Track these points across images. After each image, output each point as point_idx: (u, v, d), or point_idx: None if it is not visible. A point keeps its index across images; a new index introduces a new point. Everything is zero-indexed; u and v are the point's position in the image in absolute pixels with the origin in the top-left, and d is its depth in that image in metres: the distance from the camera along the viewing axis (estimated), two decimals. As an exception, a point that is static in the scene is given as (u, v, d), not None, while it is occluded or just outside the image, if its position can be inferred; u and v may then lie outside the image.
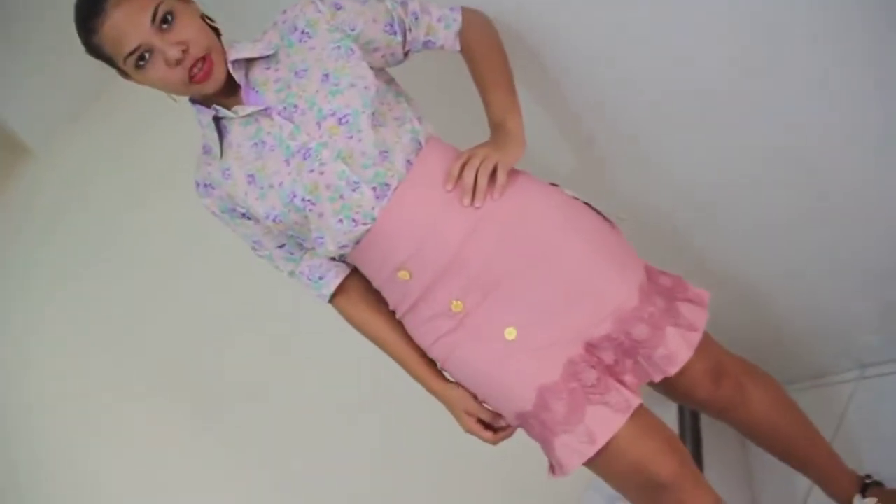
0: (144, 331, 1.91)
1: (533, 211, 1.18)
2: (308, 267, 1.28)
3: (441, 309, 1.18)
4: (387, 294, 1.24)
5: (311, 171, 1.15)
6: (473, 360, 1.18)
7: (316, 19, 1.20)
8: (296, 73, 1.18)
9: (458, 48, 1.30)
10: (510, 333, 1.16)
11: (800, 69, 1.21)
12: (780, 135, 1.33)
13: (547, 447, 1.16)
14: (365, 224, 1.17)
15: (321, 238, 1.19)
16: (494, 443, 1.25)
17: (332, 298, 1.28)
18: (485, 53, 1.28)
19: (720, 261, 1.66)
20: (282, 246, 1.27)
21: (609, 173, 1.60)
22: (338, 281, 1.27)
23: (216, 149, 1.21)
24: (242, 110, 1.18)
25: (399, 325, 1.26)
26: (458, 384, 1.24)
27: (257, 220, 1.22)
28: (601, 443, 1.11)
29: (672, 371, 1.17)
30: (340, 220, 1.17)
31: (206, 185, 1.23)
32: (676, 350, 1.16)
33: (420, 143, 1.21)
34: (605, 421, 1.12)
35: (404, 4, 1.26)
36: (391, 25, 1.24)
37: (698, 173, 1.50)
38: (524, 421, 1.17)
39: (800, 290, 1.64)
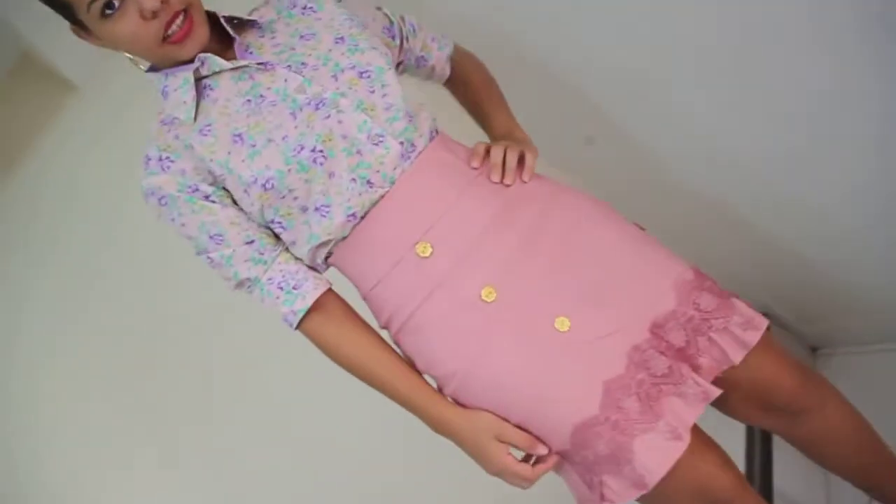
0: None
1: (565, 198, 1.07)
2: (281, 273, 1.03)
3: (468, 296, 0.99)
4: (390, 291, 1.03)
5: (327, 117, 0.99)
6: (513, 363, 0.98)
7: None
8: (301, 37, 1.06)
9: (447, 73, 1.26)
10: (562, 324, 0.98)
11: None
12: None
13: (620, 459, 0.95)
14: (382, 187, 1.02)
15: (326, 207, 1.01)
16: (532, 481, 1.00)
17: (304, 317, 1.02)
18: (482, 79, 1.26)
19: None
20: (250, 242, 1.02)
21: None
22: (317, 293, 1.03)
23: (188, 114, 1.01)
24: (237, 62, 1.02)
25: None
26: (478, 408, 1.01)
27: (224, 204, 1.01)
28: (687, 439, 0.95)
29: (754, 339, 1.01)
30: (353, 180, 1.00)
31: (161, 159, 1.00)
32: (752, 315, 1.03)
33: (437, 129, 1.10)
34: (682, 414, 0.96)
35: (402, 17, 1.20)
36: (390, 29, 1.17)
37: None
38: (583, 436, 0.96)
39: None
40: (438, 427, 1.02)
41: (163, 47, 0.97)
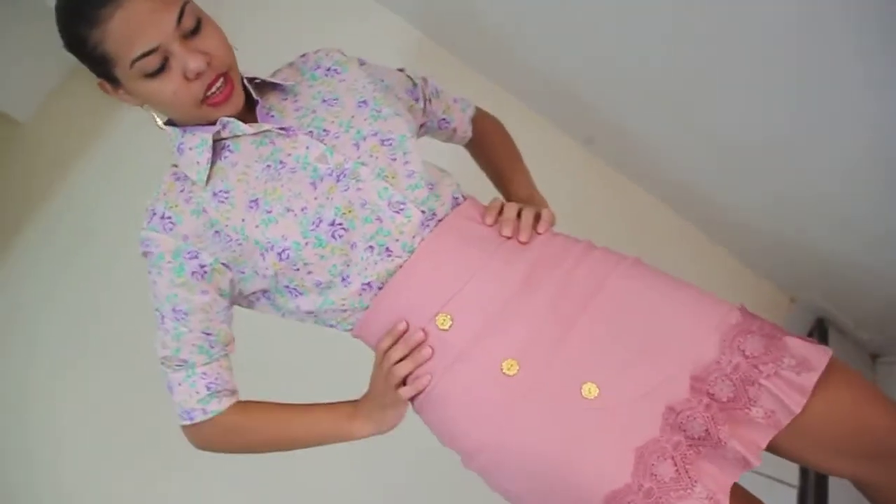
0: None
1: (591, 256, 1.00)
2: (217, 374, 1.00)
3: (489, 369, 0.93)
4: None
5: (346, 189, 0.94)
6: (539, 435, 0.91)
7: (344, 61, 1.08)
8: (324, 101, 1.03)
9: (469, 135, 1.24)
10: (590, 391, 0.90)
11: None
12: None
13: None
14: (400, 257, 0.96)
15: (346, 277, 0.96)
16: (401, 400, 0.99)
17: (218, 415, 1.00)
18: (502, 141, 1.25)
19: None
20: (208, 334, 0.99)
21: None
22: (236, 398, 1.01)
23: (199, 175, 0.96)
24: (259, 127, 0.98)
25: None
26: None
27: (205, 290, 0.97)
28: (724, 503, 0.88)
29: (810, 382, 0.88)
30: (371, 248, 0.95)
31: (164, 218, 0.96)
32: (806, 354, 0.90)
33: (463, 196, 1.05)
34: (720, 477, 0.89)
35: (424, 79, 1.18)
36: (412, 92, 1.14)
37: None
38: None
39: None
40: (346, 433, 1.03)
41: (200, 108, 0.94)
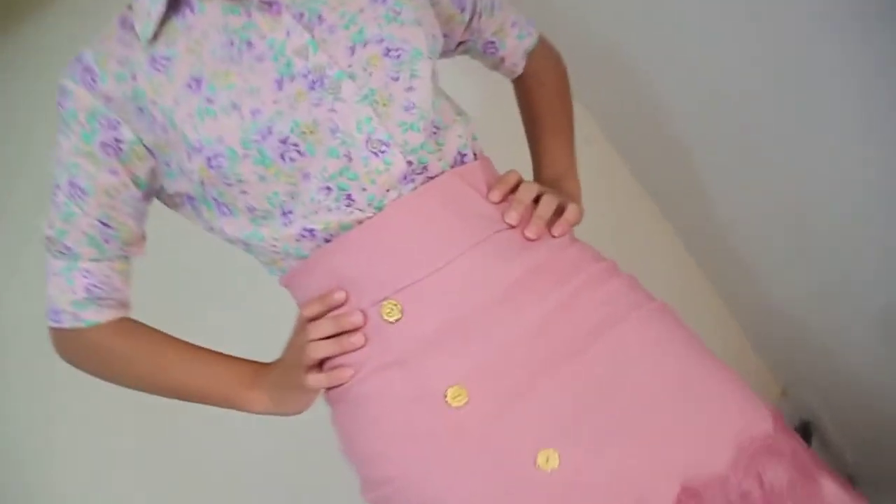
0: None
1: (607, 285, 0.80)
2: (104, 277, 0.81)
3: (428, 390, 0.75)
4: None
5: (317, 104, 0.75)
6: (463, 495, 0.73)
7: None
8: None
9: (518, 70, 1.01)
10: (547, 460, 0.72)
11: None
12: None
13: None
14: (362, 211, 0.77)
15: (287, 213, 0.77)
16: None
17: (91, 328, 0.82)
18: (553, 90, 1.02)
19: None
20: (106, 225, 0.80)
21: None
22: (122, 313, 0.84)
23: (144, 29, 0.76)
24: None
25: None
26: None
27: (116, 170, 0.78)
28: None
29: None
30: (328, 189, 0.76)
31: (87, 70, 0.77)
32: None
33: (474, 153, 0.85)
34: None
35: None
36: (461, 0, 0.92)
37: None
38: None
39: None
40: (243, 399, 0.86)
41: None
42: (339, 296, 0.77)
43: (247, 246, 0.82)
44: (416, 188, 0.78)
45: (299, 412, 0.84)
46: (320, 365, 0.80)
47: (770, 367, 1.87)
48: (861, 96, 0.98)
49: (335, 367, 0.78)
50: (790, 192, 1.28)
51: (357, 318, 0.76)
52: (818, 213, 1.27)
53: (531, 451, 0.71)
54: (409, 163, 0.77)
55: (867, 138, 1.05)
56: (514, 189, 0.83)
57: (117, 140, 0.76)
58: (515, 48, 0.99)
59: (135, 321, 0.85)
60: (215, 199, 0.79)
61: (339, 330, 0.77)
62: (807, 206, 1.28)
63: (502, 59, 0.99)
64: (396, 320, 0.74)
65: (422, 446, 0.73)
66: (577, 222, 0.84)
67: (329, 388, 0.81)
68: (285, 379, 0.82)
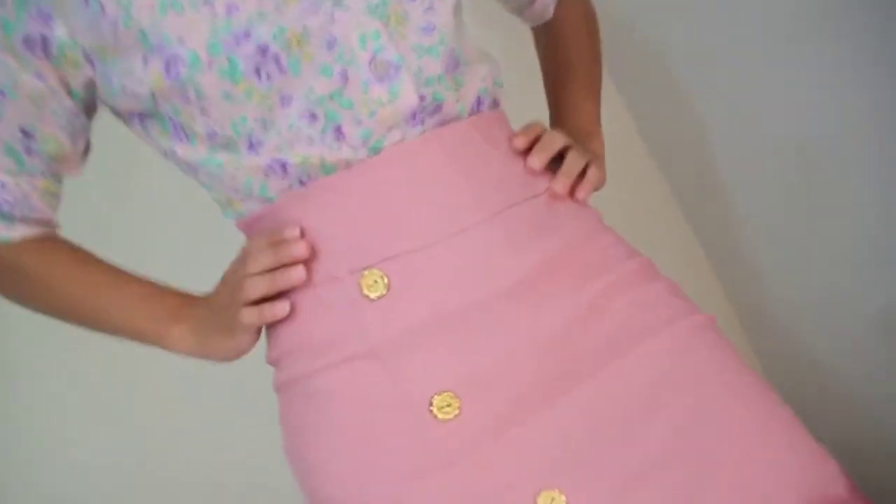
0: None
1: (645, 284, 0.67)
2: (22, 194, 0.66)
3: (409, 396, 0.60)
4: (302, 319, 0.65)
5: (313, 10, 0.60)
6: None
7: None
8: None
9: (547, 15, 0.87)
10: (549, 502, 0.58)
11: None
12: None
13: None
14: (353, 150, 0.63)
15: (256, 143, 0.62)
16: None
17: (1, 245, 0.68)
18: (584, 40, 0.88)
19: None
20: (28, 135, 0.64)
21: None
22: (42, 232, 0.69)
23: None
24: None
25: None
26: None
27: (42, 74, 0.62)
28: None
29: None
30: (314, 117, 0.61)
31: None
32: None
33: (495, 101, 0.71)
34: None
35: None
36: None
37: None
38: None
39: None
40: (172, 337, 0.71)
41: None
42: (292, 233, 0.62)
43: (199, 175, 0.67)
44: (424, 134, 0.62)
45: (228, 359, 0.70)
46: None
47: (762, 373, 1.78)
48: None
49: (273, 304, 0.63)
50: (790, 192, 1.23)
51: (299, 249, 0.61)
52: (820, 213, 1.23)
53: (531, 491, 0.57)
54: (422, 98, 0.62)
55: (867, 139, 1.04)
56: (537, 139, 0.69)
57: (45, 39, 0.59)
58: None
59: (58, 239, 0.71)
60: (170, 118, 0.63)
61: (280, 262, 0.62)
62: (809, 207, 1.23)
63: (531, 1, 0.85)
64: (379, 297, 0.60)
65: (389, 465, 0.59)
66: (600, 186, 0.71)
67: (274, 364, 0.66)
68: (214, 317, 0.67)
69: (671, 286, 0.67)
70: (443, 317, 0.59)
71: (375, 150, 0.62)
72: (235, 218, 0.69)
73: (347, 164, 0.62)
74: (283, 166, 0.62)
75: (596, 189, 0.70)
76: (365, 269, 0.60)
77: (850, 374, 1.45)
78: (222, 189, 0.66)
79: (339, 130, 0.61)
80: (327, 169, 0.62)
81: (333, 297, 0.61)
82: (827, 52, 1.04)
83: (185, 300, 0.70)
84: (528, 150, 0.67)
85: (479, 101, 0.67)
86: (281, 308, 0.62)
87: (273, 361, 0.67)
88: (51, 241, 0.70)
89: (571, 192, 0.67)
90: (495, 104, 0.69)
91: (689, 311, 0.65)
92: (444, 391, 0.58)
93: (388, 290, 0.59)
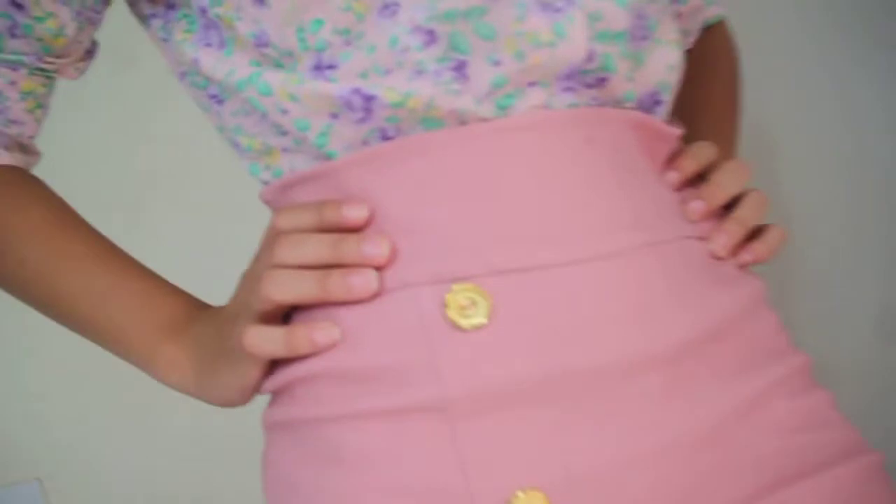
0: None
1: (801, 399, 0.44)
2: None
3: (482, 491, 0.38)
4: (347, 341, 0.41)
5: None
6: None
7: None
8: None
9: (690, 41, 0.67)
10: None
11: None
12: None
13: None
14: (475, 101, 0.39)
15: (328, 62, 0.39)
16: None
17: None
18: (727, 79, 0.69)
19: None
20: (18, 4, 0.43)
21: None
22: (12, 159, 0.48)
23: None
24: None
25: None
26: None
27: None
28: None
29: None
30: (429, 36, 0.38)
31: None
32: None
33: (669, 104, 0.46)
34: None
35: None
36: None
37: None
38: None
39: None
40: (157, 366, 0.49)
41: None
42: (359, 212, 0.39)
43: (227, 107, 0.42)
44: (573, 108, 0.40)
45: (226, 401, 0.46)
46: (288, 320, 0.43)
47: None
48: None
49: (312, 325, 0.40)
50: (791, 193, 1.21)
51: (379, 248, 0.38)
52: (819, 212, 1.23)
53: None
54: (590, 56, 0.39)
55: (868, 139, 1.09)
56: (698, 164, 0.46)
57: None
58: (697, 9, 0.65)
59: (32, 179, 0.49)
60: (203, 10, 0.40)
61: (337, 259, 0.39)
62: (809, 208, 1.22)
63: (678, 15, 0.61)
64: (474, 327, 0.37)
65: None
66: (781, 245, 0.48)
67: (281, 404, 0.43)
68: (221, 334, 0.44)
69: (830, 399, 0.46)
70: (561, 376, 0.38)
71: (503, 109, 0.38)
72: (268, 178, 0.44)
73: (460, 119, 0.38)
74: (369, 102, 0.37)
75: (776, 251, 0.47)
76: (458, 280, 0.38)
77: (850, 375, 1.43)
78: (261, 130, 0.41)
79: (462, 67, 0.38)
80: (430, 121, 0.38)
81: (400, 314, 0.38)
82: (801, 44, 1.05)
83: (191, 308, 0.48)
84: (685, 179, 0.45)
85: (654, 97, 0.44)
86: (325, 334, 0.39)
87: (277, 389, 0.43)
88: (21, 179, 0.48)
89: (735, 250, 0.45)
90: (667, 109, 0.46)
91: (857, 446, 0.45)
92: (532, 489, 0.37)
93: (491, 318, 0.37)
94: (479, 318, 0.37)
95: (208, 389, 0.45)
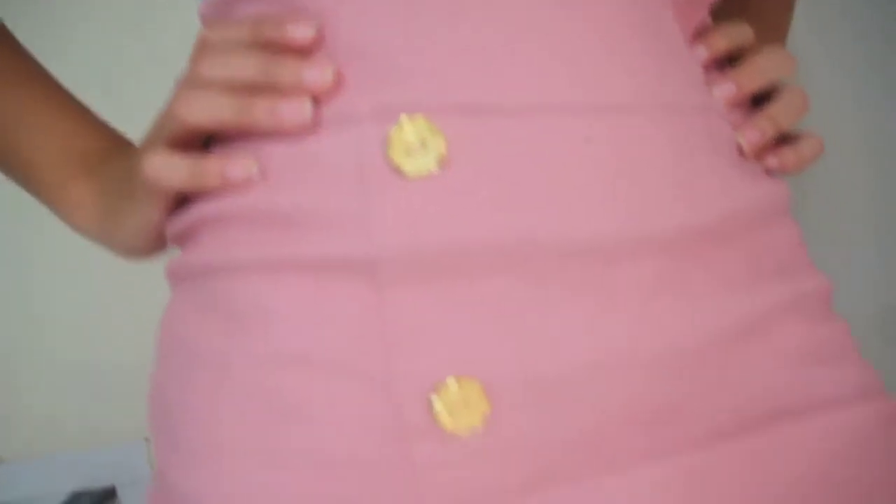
0: None
1: (817, 328, 0.37)
2: None
3: (402, 373, 0.30)
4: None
5: None
6: None
7: None
8: None
9: None
10: None
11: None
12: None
13: None
14: None
15: None
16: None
17: None
18: None
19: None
20: None
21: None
22: None
23: None
24: None
25: None
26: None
27: None
28: None
29: None
30: None
31: None
32: None
33: None
34: None
35: None
36: None
37: None
38: None
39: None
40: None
41: None
42: (305, 30, 0.32)
43: None
44: None
45: (135, 252, 0.40)
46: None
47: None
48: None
49: (225, 156, 0.34)
50: (791, 193, 1.18)
51: (322, 74, 0.31)
52: (819, 212, 1.19)
53: None
54: None
55: (867, 141, 1.08)
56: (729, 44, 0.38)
57: None
58: None
59: None
60: None
61: (268, 81, 0.32)
62: (808, 207, 1.20)
63: None
64: (420, 175, 0.30)
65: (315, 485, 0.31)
66: (814, 160, 0.41)
67: (190, 251, 0.36)
68: (132, 171, 0.38)
69: (848, 332, 0.39)
70: (524, 247, 0.31)
71: None
72: None
73: None
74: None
75: (814, 158, 0.40)
76: (406, 112, 0.31)
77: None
78: None
79: None
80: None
81: (334, 152, 0.31)
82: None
83: (110, 146, 0.42)
84: (714, 53, 0.37)
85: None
86: (239, 167, 0.32)
87: (182, 233, 0.36)
88: None
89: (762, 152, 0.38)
90: None
91: (875, 388, 0.38)
92: (469, 377, 0.30)
93: (443, 166, 0.30)
94: (427, 164, 0.30)
95: (110, 233, 0.40)
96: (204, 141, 0.35)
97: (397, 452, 0.30)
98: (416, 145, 0.30)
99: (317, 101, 0.32)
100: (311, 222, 0.31)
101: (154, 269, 0.41)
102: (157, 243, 0.39)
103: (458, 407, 0.30)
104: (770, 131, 0.37)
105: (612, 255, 0.31)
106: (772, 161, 0.37)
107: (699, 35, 0.37)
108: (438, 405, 0.30)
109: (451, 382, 0.30)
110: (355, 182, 0.31)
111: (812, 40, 1.03)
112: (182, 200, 0.36)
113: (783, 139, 0.39)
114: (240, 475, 0.31)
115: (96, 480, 0.82)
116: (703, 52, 0.36)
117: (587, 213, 0.31)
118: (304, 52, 0.32)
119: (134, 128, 0.47)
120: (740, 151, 0.36)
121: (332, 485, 0.30)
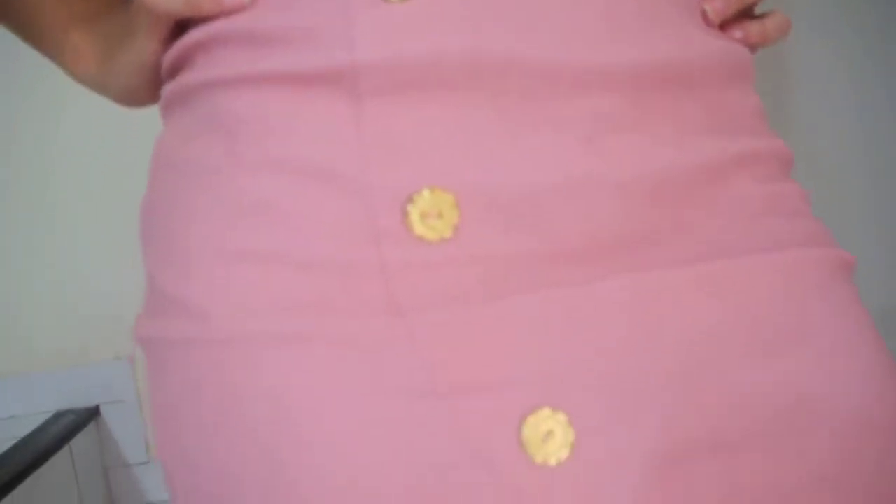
0: None
1: (777, 185, 0.37)
2: None
3: (375, 180, 0.31)
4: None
5: None
6: None
7: None
8: None
9: None
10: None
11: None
12: None
13: None
14: None
15: None
16: None
17: None
18: None
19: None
20: None
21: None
22: None
23: None
24: None
25: None
26: None
27: None
28: None
29: None
30: None
31: None
32: None
33: None
34: None
35: None
36: None
37: None
38: None
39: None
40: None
41: None
42: None
43: None
44: None
45: (134, 95, 0.42)
46: None
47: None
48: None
49: None
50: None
51: None
52: (819, 212, 1.12)
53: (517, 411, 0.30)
54: None
55: (867, 141, 1.10)
56: None
57: None
58: None
59: None
60: None
61: None
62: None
63: None
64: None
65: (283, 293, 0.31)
66: (786, 31, 0.40)
67: (185, 73, 0.36)
68: (131, 19, 0.38)
69: (804, 194, 0.40)
70: (499, 64, 0.31)
71: None
72: None
73: None
74: None
75: (782, 34, 0.40)
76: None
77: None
78: None
79: None
80: None
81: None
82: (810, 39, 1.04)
83: (113, 2, 0.43)
84: None
85: None
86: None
87: (177, 60, 0.37)
88: None
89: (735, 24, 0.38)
90: None
91: (829, 240, 0.38)
92: (443, 189, 0.31)
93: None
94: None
95: (109, 74, 0.41)
96: None
97: (370, 255, 0.30)
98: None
99: None
100: (298, 39, 0.32)
101: (132, 194, 0.41)
102: (153, 85, 0.40)
103: (431, 216, 0.30)
104: (735, 4, 0.37)
105: (581, 79, 0.32)
106: (736, 33, 0.38)
107: None
108: (414, 213, 0.30)
109: (426, 193, 0.30)
110: (341, 2, 0.31)
111: (812, 40, 1.03)
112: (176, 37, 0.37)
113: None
114: (218, 273, 0.31)
115: (80, 399, 0.83)
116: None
117: (560, 39, 0.32)
118: None
119: (135, 120, 0.49)
120: (706, 20, 0.36)
121: (305, 281, 0.30)
